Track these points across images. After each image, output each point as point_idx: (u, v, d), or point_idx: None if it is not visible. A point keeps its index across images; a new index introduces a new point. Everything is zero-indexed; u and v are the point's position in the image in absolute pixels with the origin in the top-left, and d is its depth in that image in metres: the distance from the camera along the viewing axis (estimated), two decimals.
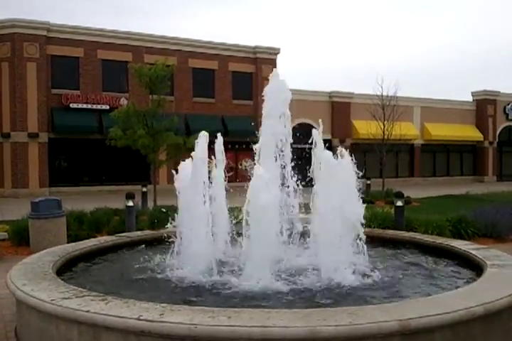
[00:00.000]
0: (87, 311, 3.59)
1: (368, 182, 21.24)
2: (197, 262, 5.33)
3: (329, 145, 30.47)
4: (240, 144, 26.58)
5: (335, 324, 3.26)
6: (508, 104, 38.52)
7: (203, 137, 5.84)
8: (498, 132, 38.56)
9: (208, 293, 4.70)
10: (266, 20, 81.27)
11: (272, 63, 29.84)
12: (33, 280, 4.49)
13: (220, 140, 6.23)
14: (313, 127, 6.23)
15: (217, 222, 5.76)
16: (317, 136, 5.64)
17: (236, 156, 27.49)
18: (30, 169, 23.80)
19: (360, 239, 5.35)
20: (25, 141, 23.78)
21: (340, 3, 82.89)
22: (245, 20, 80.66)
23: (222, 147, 6.27)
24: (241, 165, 27.74)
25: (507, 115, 38.72)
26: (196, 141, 5.82)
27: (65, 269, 5.57)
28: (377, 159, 23.74)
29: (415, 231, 9.12)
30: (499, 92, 38.04)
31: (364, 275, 5.20)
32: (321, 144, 5.59)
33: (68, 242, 8.20)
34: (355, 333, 3.26)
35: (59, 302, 3.79)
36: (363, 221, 5.32)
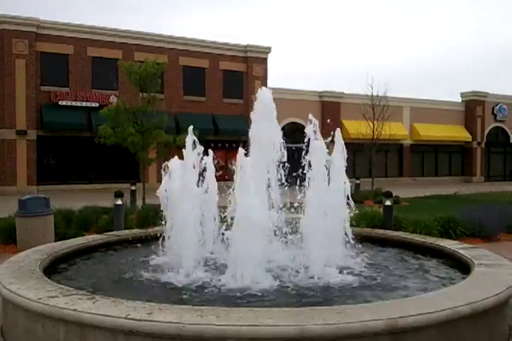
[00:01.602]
0: (74, 310, 3.56)
1: (358, 181, 21.33)
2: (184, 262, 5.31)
3: None
4: (231, 143, 26.58)
5: (323, 323, 3.27)
6: (497, 105, 38.83)
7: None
8: (486, 133, 38.87)
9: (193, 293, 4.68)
10: (258, 19, 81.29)
11: (263, 62, 29.88)
12: (20, 278, 4.45)
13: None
14: (303, 126, 6.19)
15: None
16: (310, 132, 5.57)
17: (227, 155, 27.44)
18: (18, 166, 23.59)
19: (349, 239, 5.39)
20: (13, 138, 23.56)
21: (335, 4, 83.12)
22: (238, 19, 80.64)
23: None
24: (231, 164, 27.69)
25: (495, 116, 39.04)
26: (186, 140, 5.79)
27: (53, 268, 5.53)
28: (366, 159, 23.83)
29: (404, 231, 9.17)
30: (487, 93, 38.34)
31: (350, 274, 5.23)
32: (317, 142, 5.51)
33: (56, 241, 8.14)
34: (343, 332, 3.27)
35: (46, 301, 3.76)
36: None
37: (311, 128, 5.49)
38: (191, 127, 5.80)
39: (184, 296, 4.53)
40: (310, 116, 5.58)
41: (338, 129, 6.08)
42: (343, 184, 5.79)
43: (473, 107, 37.89)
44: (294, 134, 5.72)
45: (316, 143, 5.44)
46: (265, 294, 4.52)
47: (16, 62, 23.56)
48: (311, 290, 4.72)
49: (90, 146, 21.75)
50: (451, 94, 63.94)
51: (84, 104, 24.75)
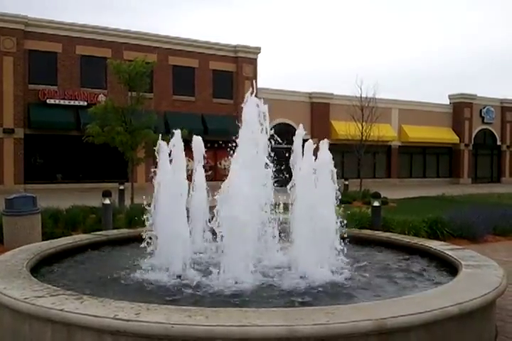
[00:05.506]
0: (61, 310, 3.52)
1: (346, 182, 21.41)
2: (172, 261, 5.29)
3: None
4: (220, 143, 26.50)
5: (312, 323, 3.27)
6: (484, 108, 39.20)
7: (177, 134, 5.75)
8: (473, 135, 39.22)
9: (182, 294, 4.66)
10: (249, 20, 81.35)
11: (253, 62, 29.88)
12: (6, 278, 4.40)
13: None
14: (292, 127, 6.20)
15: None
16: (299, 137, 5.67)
17: (216, 155, 27.40)
18: (5, 165, 23.38)
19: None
20: (0, 136, 23.34)
21: (325, 6, 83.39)
22: (228, 19, 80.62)
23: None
24: (220, 164, 27.69)
25: (483, 118, 39.41)
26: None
27: (40, 267, 5.47)
28: (355, 160, 23.96)
29: (392, 232, 9.21)
30: (475, 96, 38.67)
31: (339, 274, 5.24)
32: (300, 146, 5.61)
33: (43, 240, 8.06)
34: (332, 332, 3.27)
35: (32, 301, 3.71)
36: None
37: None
38: (178, 130, 5.74)
39: None
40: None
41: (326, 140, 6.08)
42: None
43: (461, 109, 38.22)
44: (283, 135, 5.69)
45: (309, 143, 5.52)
46: None
47: (3, 60, 23.36)
48: (300, 289, 4.73)
49: (78, 145, 21.61)
50: (440, 95, 64.48)
51: (72, 102, 24.59)
